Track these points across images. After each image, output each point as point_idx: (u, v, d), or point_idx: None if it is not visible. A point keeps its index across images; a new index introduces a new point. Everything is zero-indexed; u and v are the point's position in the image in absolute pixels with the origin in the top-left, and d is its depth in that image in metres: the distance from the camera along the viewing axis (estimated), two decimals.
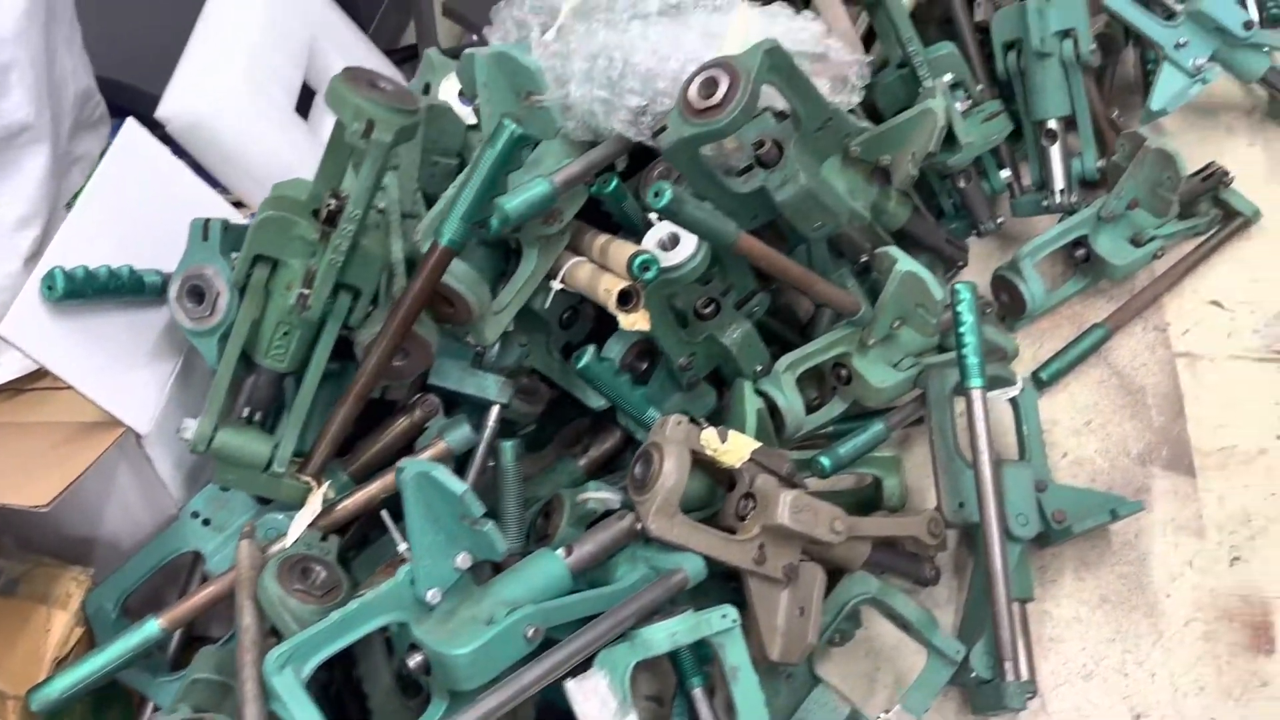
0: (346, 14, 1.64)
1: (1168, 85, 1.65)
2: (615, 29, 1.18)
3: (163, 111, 1.29)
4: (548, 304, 1.27)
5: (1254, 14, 1.79)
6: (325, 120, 1.42)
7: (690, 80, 1.06)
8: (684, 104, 1.06)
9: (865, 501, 1.44)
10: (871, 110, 1.48)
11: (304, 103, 1.54)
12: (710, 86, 1.04)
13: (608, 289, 1.16)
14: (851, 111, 1.27)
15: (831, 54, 1.14)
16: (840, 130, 1.17)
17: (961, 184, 1.51)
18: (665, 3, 1.18)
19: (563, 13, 1.26)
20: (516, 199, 1.06)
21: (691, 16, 1.17)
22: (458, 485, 0.96)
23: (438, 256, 1.01)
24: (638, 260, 1.12)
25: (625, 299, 1.17)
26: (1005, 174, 1.57)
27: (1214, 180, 1.61)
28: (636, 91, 1.17)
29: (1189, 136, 1.79)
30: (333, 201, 1.00)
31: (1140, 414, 1.51)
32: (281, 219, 1.01)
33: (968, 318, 1.29)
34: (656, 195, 0.99)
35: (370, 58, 1.58)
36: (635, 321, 1.17)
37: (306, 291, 1.00)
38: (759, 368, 1.36)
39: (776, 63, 1.05)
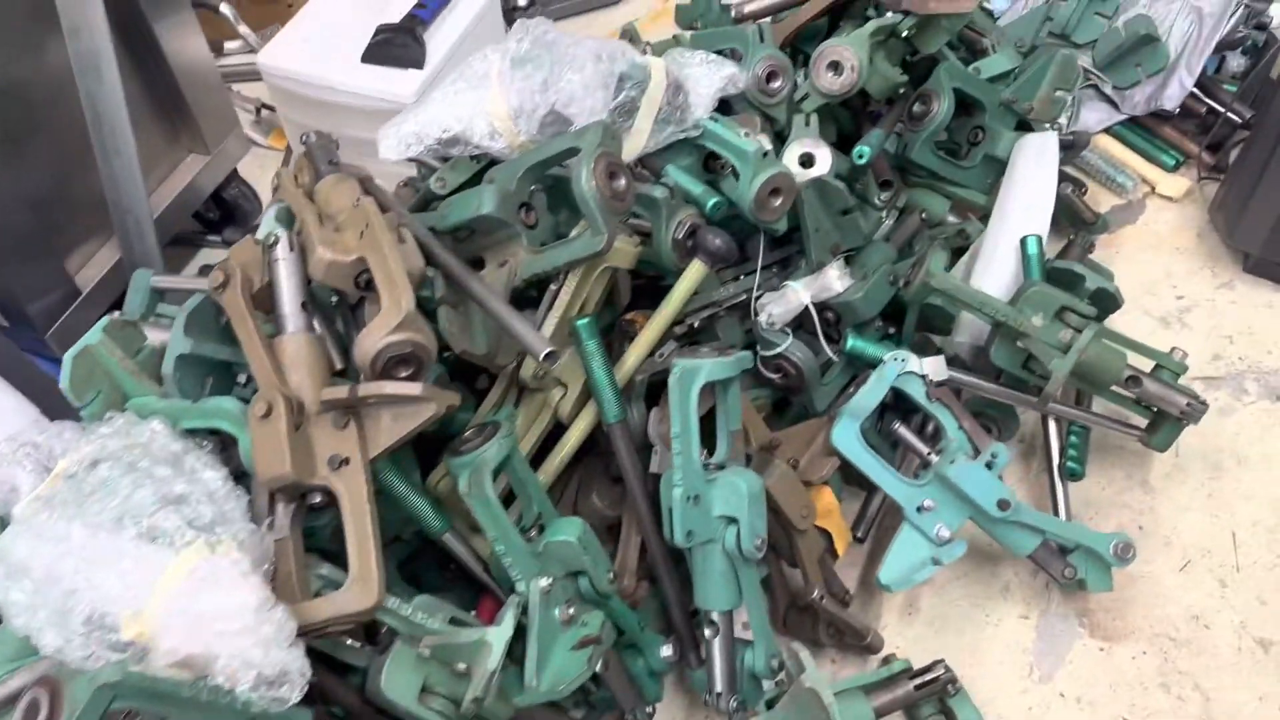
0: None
1: (902, 556, 1.37)
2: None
3: None
4: None
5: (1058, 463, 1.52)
6: None
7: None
8: None
9: None
10: None
11: None
12: (32, 713, 0.81)
13: None
14: None
15: (256, 651, 0.90)
16: None
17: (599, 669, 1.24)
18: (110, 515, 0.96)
19: (52, 475, 1.06)
20: None
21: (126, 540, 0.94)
22: None
23: None
24: None
25: None
26: (666, 651, 1.30)
27: (938, 687, 1.32)
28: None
29: (954, 591, 1.50)
30: None
31: None
32: None
33: None
34: None
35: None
36: None
37: None
38: None
39: (126, 692, 0.82)
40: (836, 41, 1.49)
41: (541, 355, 1.07)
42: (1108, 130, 2.05)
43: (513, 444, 1.14)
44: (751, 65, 1.50)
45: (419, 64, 1.90)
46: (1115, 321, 1.75)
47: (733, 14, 1.68)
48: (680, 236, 1.29)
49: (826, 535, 1.46)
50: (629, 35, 1.87)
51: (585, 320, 1.22)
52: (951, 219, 1.75)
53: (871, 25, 1.49)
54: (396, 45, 1.91)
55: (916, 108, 1.64)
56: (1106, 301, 1.52)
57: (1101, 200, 1.99)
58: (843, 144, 1.69)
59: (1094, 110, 2.04)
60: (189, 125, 1.80)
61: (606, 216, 1.16)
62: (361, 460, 1.04)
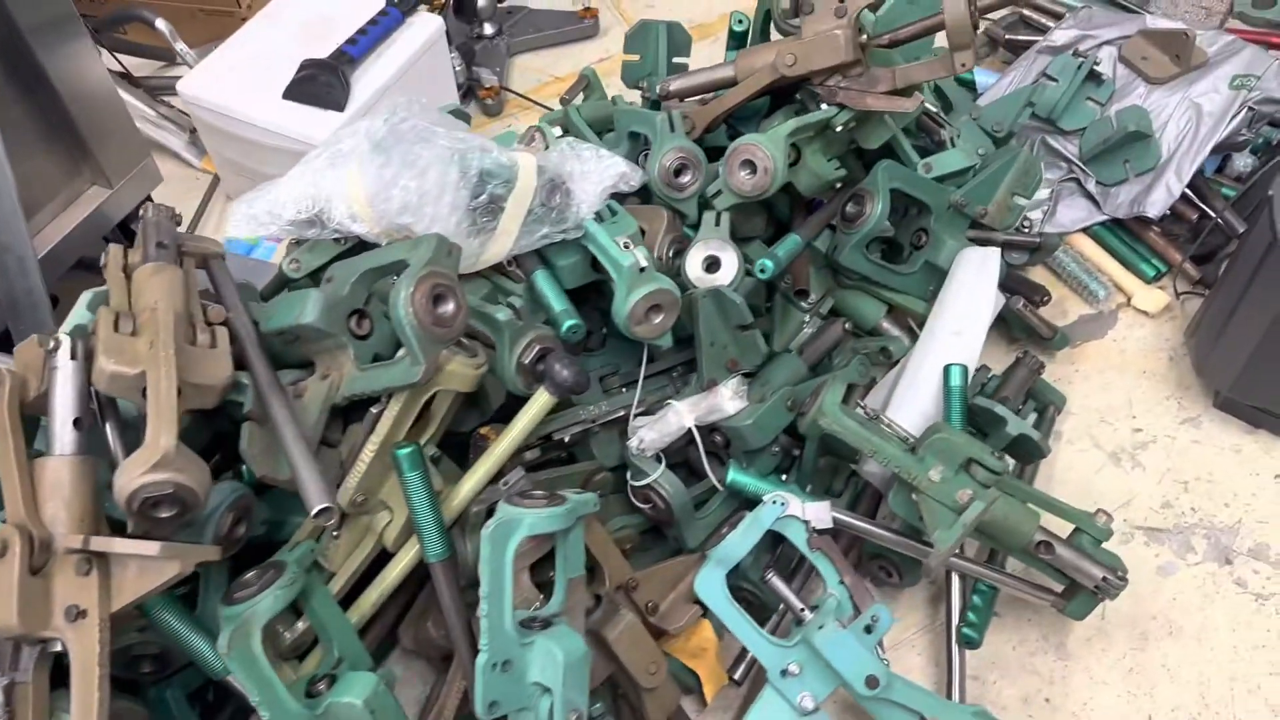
0: None
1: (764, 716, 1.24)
2: None
3: None
4: None
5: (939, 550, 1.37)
6: None
7: None
8: None
9: None
10: None
11: None
12: None
13: None
14: None
15: None
16: None
17: None
18: None
19: None
20: None
21: None
22: None
23: None
24: None
25: None
26: None
27: None
28: None
29: None
30: None
31: None
32: None
33: None
34: None
35: None
36: None
37: None
38: None
39: None
40: (753, 138, 1.34)
41: (314, 511, 0.95)
42: (1086, 230, 1.87)
43: (296, 592, 1.03)
44: (659, 156, 1.36)
45: (340, 106, 1.78)
46: (1063, 451, 1.61)
47: (658, 91, 1.53)
48: (527, 361, 1.16)
49: (696, 676, 1.34)
50: (586, 80, 1.75)
51: (407, 450, 1.10)
52: (889, 326, 1.59)
53: (791, 123, 1.34)
54: (319, 84, 1.79)
55: (850, 208, 1.49)
56: (1029, 449, 1.36)
57: (1070, 308, 1.82)
58: (778, 232, 1.55)
59: (1073, 208, 1.86)
60: (88, 157, 1.69)
61: (425, 346, 1.03)
62: (98, 615, 0.93)
